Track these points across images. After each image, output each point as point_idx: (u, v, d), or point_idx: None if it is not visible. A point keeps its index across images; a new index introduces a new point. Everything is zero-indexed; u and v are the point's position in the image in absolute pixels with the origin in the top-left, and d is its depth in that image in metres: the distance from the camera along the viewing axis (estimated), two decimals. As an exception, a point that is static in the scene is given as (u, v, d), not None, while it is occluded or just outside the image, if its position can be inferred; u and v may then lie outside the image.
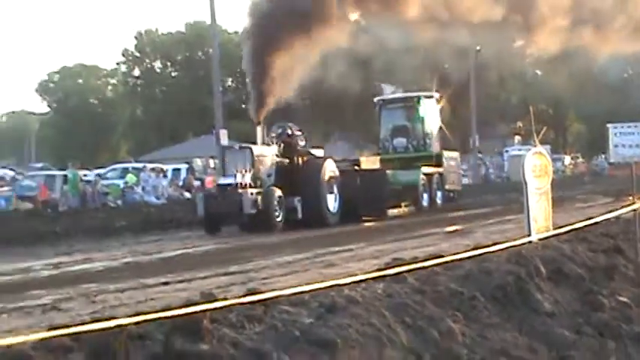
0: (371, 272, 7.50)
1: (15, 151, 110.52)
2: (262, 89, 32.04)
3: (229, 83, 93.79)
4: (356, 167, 32.52)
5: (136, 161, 63.98)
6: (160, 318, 5.38)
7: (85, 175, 50.56)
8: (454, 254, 8.40)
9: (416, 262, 7.78)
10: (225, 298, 5.96)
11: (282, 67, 32.42)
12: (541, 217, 10.85)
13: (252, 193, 27.90)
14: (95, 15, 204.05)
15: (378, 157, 34.43)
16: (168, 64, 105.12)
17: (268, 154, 30.30)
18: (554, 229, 10.67)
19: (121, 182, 49.82)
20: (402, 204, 32.85)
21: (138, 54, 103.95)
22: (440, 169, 35.17)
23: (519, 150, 57.69)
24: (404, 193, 32.88)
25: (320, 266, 15.60)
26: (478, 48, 58.94)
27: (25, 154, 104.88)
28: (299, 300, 6.61)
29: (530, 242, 9.75)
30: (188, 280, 15.33)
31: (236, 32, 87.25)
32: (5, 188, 47.00)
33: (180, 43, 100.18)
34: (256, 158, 29.24)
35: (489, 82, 73.55)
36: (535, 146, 13.89)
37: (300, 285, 6.78)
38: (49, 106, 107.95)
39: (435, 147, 35.70)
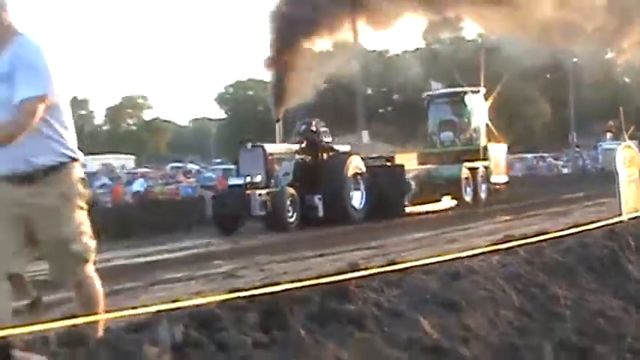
0: (487, 246, 7.40)
1: (198, 150, 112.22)
2: (282, 88, 28.22)
3: (369, 92, 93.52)
4: (388, 164, 27.28)
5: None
6: (317, 284, 5.39)
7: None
8: (557, 231, 8.23)
9: (525, 238, 7.65)
10: (368, 268, 5.94)
11: (303, 66, 28.97)
12: (631, 200, 10.59)
13: (260, 194, 22.81)
14: (262, 36, 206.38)
15: (415, 154, 29.55)
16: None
17: (285, 151, 25.38)
18: (642, 210, 10.38)
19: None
20: (443, 198, 27.82)
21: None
22: (485, 163, 30.19)
23: (611, 144, 55.55)
24: (446, 187, 27.84)
25: (444, 242, 15.52)
26: (575, 60, 57.90)
27: (207, 152, 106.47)
28: (429, 269, 6.57)
29: (621, 221, 9.48)
30: (338, 252, 15.42)
31: (374, 50, 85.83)
32: (192, 179, 48.03)
33: (329, 58, 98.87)
34: (269, 157, 24.21)
35: (586, 87, 72.27)
36: (625, 141, 13.57)
37: (429, 257, 6.72)
38: (225, 113, 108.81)
39: (482, 140, 30.94)
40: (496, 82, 34.07)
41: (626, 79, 78.52)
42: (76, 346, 3.89)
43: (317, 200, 24.09)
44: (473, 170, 28.98)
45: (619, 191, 10.40)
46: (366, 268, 6.00)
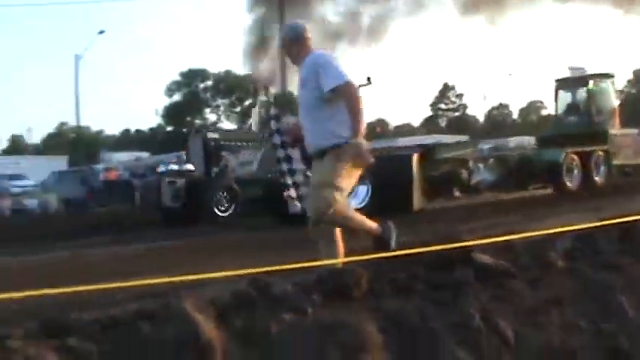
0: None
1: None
2: None
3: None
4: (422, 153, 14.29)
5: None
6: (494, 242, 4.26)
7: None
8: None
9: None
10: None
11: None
12: None
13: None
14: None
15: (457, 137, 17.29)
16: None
17: None
18: None
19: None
20: (529, 187, 16.75)
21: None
22: (605, 147, 18.21)
23: None
24: (545, 172, 16.76)
25: (590, 209, 12.85)
26: None
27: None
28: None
29: None
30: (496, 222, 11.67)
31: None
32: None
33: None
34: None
35: None
36: None
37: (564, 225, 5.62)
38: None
39: (607, 124, 19.30)
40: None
41: None
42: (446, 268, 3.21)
43: None
44: (585, 154, 17.74)
45: None
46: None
